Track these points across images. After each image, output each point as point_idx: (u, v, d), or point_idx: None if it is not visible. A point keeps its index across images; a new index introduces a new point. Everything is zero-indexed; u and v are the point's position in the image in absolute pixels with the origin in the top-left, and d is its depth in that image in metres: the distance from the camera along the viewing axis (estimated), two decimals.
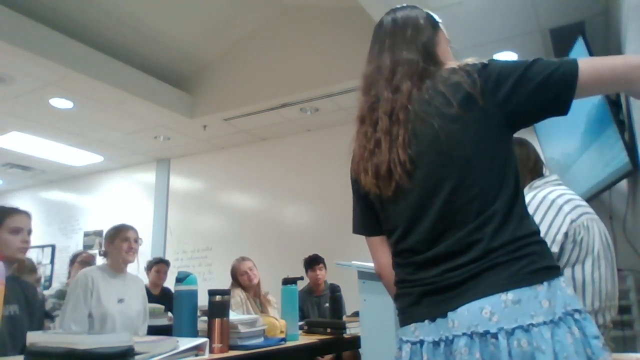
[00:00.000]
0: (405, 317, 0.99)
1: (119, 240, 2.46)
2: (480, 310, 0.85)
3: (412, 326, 0.97)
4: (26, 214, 1.98)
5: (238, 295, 3.26)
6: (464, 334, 0.86)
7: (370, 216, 1.09)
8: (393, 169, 0.96)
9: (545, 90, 0.91)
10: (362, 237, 1.14)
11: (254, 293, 3.39)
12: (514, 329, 0.82)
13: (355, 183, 1.07)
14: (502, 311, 0.84)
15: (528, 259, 0.88)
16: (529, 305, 0.84)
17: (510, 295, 0.85)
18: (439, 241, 0.94)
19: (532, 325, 0.82)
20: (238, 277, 3.38)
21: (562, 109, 0.92)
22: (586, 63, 0.91)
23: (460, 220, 0.92)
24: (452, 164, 0.93)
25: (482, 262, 0.88)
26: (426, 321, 0.93)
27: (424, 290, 0.94)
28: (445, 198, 0.93)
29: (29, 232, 1.95)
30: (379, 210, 1.06)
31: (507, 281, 0.86)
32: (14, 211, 1.94)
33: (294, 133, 5.25)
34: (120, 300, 2.41)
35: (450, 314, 0.89)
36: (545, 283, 0.86)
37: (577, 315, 0.86)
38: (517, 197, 0.94)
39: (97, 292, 2.34)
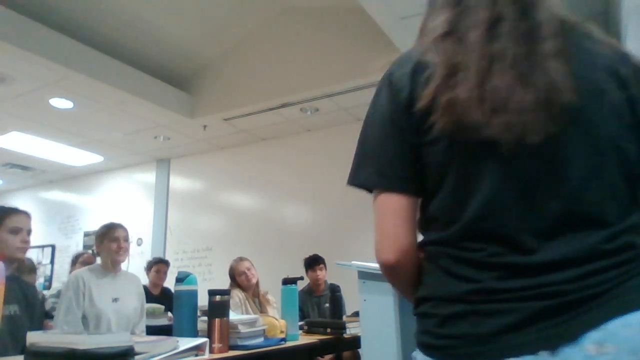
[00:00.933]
0: (487, 348, 0.62)
1: (108, 241, 2.44)
2: None
3: None
4: (26, 214, 1.98)
5: (237, 295, 3.26)
6: None
7: (415, 166, 0.71)
8: (552, 99, 0.64)
9: None
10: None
11: (253, 293, 3.39)
12: None
13: (425, 114, 0.68)
14: None
15: None
16: None
17: None
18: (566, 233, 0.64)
19: None
20: (236, 278, 3.38)
21: None
22: None
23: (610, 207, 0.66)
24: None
25: (632, 265, 0.63)
26: (541, 353, 0.60)
27: (540, 306, 0.61)
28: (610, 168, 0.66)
29: (29, 232, 1.95)
30: (455, 163, 0.68)
31: None
32: (14, 211, 1.95)
33: (294, 133, 5.25)
34: (115, 300, 2.40)
35: (590, 336, 0.59)
36: None
37: None
38: None
39: (90, 293, 2.33)
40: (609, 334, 0.58)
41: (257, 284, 3.42)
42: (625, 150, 0.68)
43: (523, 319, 0.61)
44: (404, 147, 0.71)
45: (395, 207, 0.72)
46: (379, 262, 0.74)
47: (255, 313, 3.16)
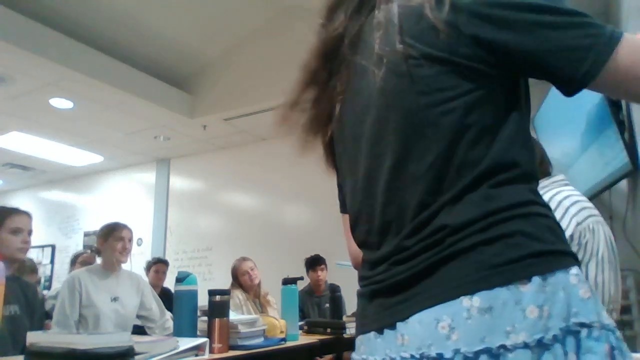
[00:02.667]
0: (357, 324, 0.76)
1: (113, 239, 2.43)
2: (435, 323, 0.58)
3: (359, 339, 0.72)
4: (27, 215, 1.98)
5: (237, 296, 3.26)
6: (412, 357, 0.59)
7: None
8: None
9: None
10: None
11: (254, 294, 3.39)
12: (477, 353, 0.54)
13: None
14: (464, 324, 0.56)
15: (505, 242, 0.58)
16: (504, 315, 0.55)
17: (477, 300, 0.56)
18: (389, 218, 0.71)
19: (505, 348, 0.54)
20: (239, 277, 3.38)
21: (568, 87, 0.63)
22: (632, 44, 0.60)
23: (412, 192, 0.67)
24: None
25: (437, 249, 0.61)
26: (372, 333, 0.67)
27: (371, 291, 0.70)
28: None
29: (30, 232, 1.96)
30: None
31: (473, 277, 0.57)
32: (15, 211, 1.95)
33: (294, 133, 5.24)
34: (114, 299, 2.39)
35: (399, 326, 0.62)
36: (535, 278, 0.56)
37: (584, 333, 0.55)
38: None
39: (87, 293, 2.31)
40: (409, 327, 0.61)
41: (259, 284, 3.42)
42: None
43: (366, 302, 0.72)
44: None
45: (344, 224, 0.92)
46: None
47: (255, 314, 3.16)
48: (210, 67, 4.94)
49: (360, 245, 0.78)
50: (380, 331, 0.66)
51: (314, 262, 3.89)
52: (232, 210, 5.57)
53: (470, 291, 0.57)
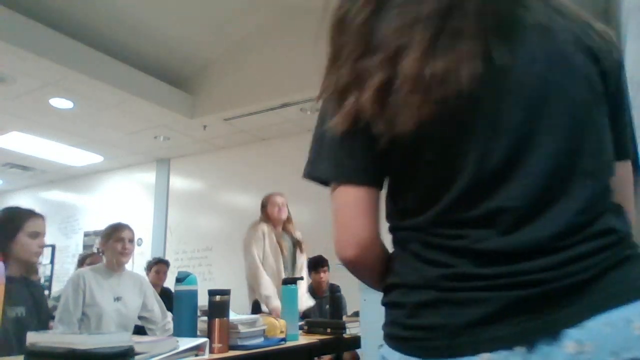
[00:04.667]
0: (460, 341, 0.57)
1: (113, 241, 2.45)
2: (628, 323, 0.54)
3: (482, 357, 0.56)
4: (43, 218, 2.03)
5: (261, 230, 3.23)
6: None
7: (373, 155, 0.65)
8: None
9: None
10: None
11: (282, 228, 3.37)
12: None
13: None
14: None
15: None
16: None
17: None
18: (546, 212, 0.59)
19: None
20: (267, 207, 3.36)
21: None
22: None
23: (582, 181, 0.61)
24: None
25: (611, 251, 0.58)
26: (516, 348, 0.55)
27: (515, 296, 0.56)
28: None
29: (44, 235, 1.98)
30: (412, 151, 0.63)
31: None
32: (33, 215, 1.98)
33: (294, 133, 5.25)
34: (117, 299, 2.40)
35: (570, 333, 0.54)
36: None
37: None
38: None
39: (91, 292, 2.33)
40: (589, 332, 0.54)
41: (288, 220, 3.40)
42: (596, 121, 0.65)
43: (498, 310, 0.56)
44: (364, 137, 0.65)
45: (354, 199, 0.66)
46: (339, 258, 0.69)
47: (274, 250, 3.20)
48: (210, 67, 4.94)
49: (468, 224, 0.60)
50: (530, 345, 0.54)
51: (317, 264, 3.89)
52: (232, 210, 5.57)
53: None
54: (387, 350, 0.63)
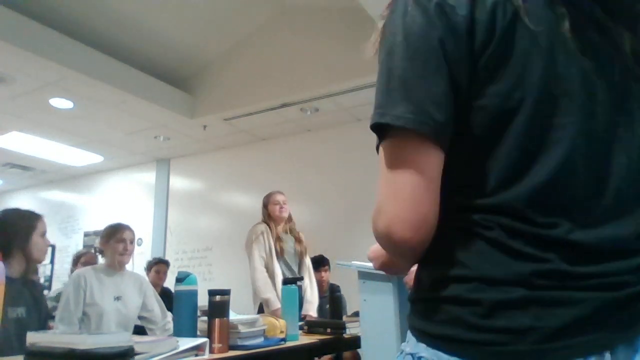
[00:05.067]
0: (550, 346, 0.51)
1: (115, 241, 2.46)
2: None
3: None
4: (44, 218, 2.08)
5: (261, 230, 3.22)
6: None
7: (454, 112, 0.57)
8: None
9: None
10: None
11: (282, 228, 3.34)
12: None
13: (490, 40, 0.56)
14: None
15: None
16: None
17: None
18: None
19: None
20: (269, 206, 3.36)
21: None
22: None
23: None
24: None
25: None
26: (607, 354, 0.51)
27: (605, 298, 0.52)
28: None
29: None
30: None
31: None
32: (39, 215, 2.06)
33: (294, 133, 5.25)
34: (117, 299, 2.41)
35: None
36: None
37: None
38: None
39: (91, 291, 2.34)
40: None
41: (289, 219, 3.38)
42: None
43: (592, 312, 0.51)
44: (452, 85, 0.56)
45: (426, 163, 0.56)
46: (387, 236, 0.57)
47: (276, 247, 3.17)
48: (210, 67, 4.94)
49: (562, 211, 0.54)
50: (614, 351, 0.51)
51: (318, 263, 3.88)
52: (232, 210, 5.57)
53: None
54: (435, 354, 0.55)
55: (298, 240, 3.36)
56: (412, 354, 0.58)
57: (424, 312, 0.59)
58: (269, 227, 3.26)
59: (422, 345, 0.57)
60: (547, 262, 0.52)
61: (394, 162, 0.57)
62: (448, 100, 0.56)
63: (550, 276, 0.52)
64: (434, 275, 0.59)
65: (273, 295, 3.01)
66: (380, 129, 0.58)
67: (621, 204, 0.55)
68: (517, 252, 0.53)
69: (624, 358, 0.51)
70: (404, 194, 0.56)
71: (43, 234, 1.99)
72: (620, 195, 0.55)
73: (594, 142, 0.56)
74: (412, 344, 0.59)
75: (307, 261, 3.38)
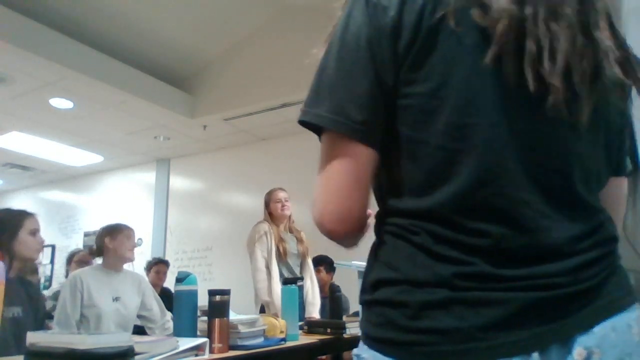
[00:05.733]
0: (474, 345, 0.52)
1: (123, 237, 2.44)
2: (629, 328, 0.54)
3: None
4: (36, 216, 2.05)
5: (263, 229, 3.18)
6: None
7: (383, 111, 0.58)
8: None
9: None
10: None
11: (284, 226, 3.31)
12: None
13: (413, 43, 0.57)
14: None
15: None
16: None
17: None
18: (566, 211, 0.57)
19: None
20: (271, 204, 3.31)
21: None
22: None
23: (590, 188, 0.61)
24: None
25: (613, 258, 0.59)
26: (535, 355, 0.52)
27: (533, 299, 0.53)
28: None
29: (40, 233, 2.02)
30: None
31: (633, 287, 0.60)
32: (30, 214, 2.04)
33: (294, 133, 5.24)
34: (116, 299, 2.39)
35: (581, 339, 0.53)
36: None
37: None
38: None
39: (89, 292, 2.31)
40: (597, 338, 0.53)
41: (290, 218, 3.35)
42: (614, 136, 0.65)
43: (516, 312, 0.52)
44: (377, 85, 0.57)
45: (351, 161, 0.58)
46: (321, 229, 0.61)
47: (278, 245, 3.14)
48: (210, 67, 4.93)
49: (491, 217, 0.55)
50: (544, 352, 0.52)
51: (319, 263, 3.88)
52: (232, 210, 5.57)
53: (638, 299, 0.58)
54: (374, 356, 0.57)
55: (300, 240, 3.33)
56: (357, 355, 0.60)
57: (365, 315, 0.60)
58: (271, 226, 3.23)
59: (365, 347, 0.59)
60: (470, 264, 0.54)
61: (324, 158, 0.60)
62: (372, 101, 0.57)
63: (473, 278, 0.53)
64: (371, 279, 0.60)
65: (272, 296, 2.99)
66: (312, 126, 0.60)
67: (553, 205, 0.56)
68: (441, 256, 0.55)
69: (557, 359, 0.52)
70: (331, 188, 0.59)
71: (33, 232, 1.96)
72: (551, 197, 0.56)
73: (519, 144, 0.56)
74: (359, 345, 0.61)
75: (309, 262, 3.36)
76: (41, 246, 2.00)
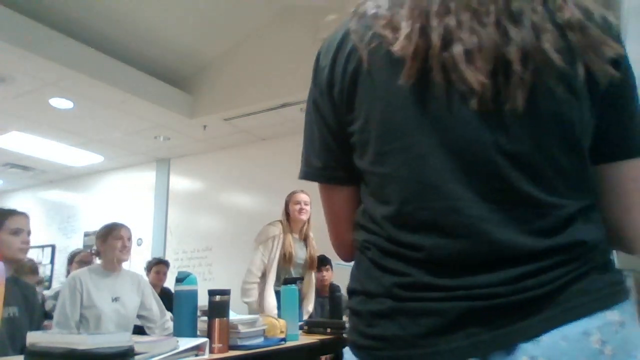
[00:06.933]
0: (412, 352, 0.57)
1: (112, 239, 2.44)
2: (586, 337, 0.53)
3: None
4: (25, 215, 2.00)
5: (273, 232, 3.07)
6: None
7: (344, 152, 0.68)
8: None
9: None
10: None
11: (299, 231, 3.19)
12: None
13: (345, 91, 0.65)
14: (614, 338, 0.54)
15: (611, 265, 0.61)
16: (634, 329, 0.57)
17: (616, 314, 0.55)
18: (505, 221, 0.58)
19: None
20: (290, 205, 3.16)
21: None
22: None
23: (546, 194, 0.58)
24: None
25: (577, 264, 0.57)
26: None
27: (469, 308, 0.55)
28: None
29: (28, 233, 1.97)
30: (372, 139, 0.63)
31: (607, 292, 0.57)
32: (13, 213, 1.96)
33: (294, 133, 5.23)
34: (115, 299, 2.39)
35: (524, 348, 0.54)
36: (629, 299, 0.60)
37: None
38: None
39: (88, 293, 2.31)
40: (544, 347, 0.53)
41: (308, 223, 3.18)
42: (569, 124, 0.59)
43: (453, 321, 0.55)
44: (328, 133, 0.68)
45: (329, 201, 0.73)
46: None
47: (285, 251, 3.01)
48: (210, 67, 4.94)
49: (422, 229, 0.59)
50: (485, 358, 0.54)
51: (319, 263, 3.87)
52: (232, 210, 5.57)
53: (611, 305, 0.56)
54: (349, 355, 0.64)
55: (310, 255, 3.19)
56: (343, 353, 0.68)
57: (348, 319, 0.70)
58: (285, 230, 3.11)
59: (347, 348, 0.66)
60: (408, 275, 0.58)
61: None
62: (325, 147, 0.69)
63: (411, 288, 0.58)
64: (347, 288, 0.70)
65: (251, 300, 2.90)
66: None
67: (494, 209, 0.57)
68: (386, 268, 0.61)
69: None
70: (328, 226, 0.76)
71: (15, 232, 1.91)
72: (491, 200, 0.57)
73: (443, 157, 0.58)
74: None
75: (313, 276, 3.25)
76: (26, 246, 1.94)
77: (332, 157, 0.69)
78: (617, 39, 0.62)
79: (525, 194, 0.57)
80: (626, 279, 0.62)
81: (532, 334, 0.54)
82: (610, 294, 0.57)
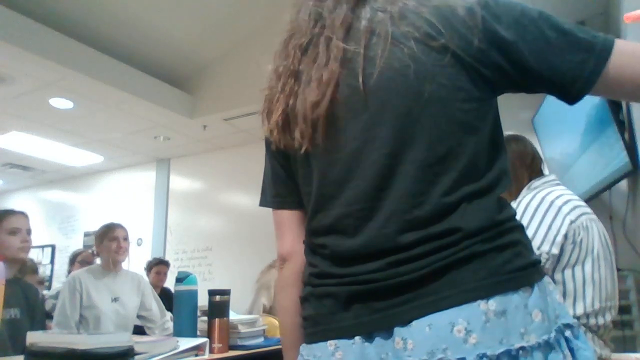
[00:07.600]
0: (319, 329, 0.70)
1: (107, 240, 2.45)
2: (450, 327, 0.59)
3: (330, 344, 0.67)
4: (23, 214, 1.99)
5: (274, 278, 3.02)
6: None
7: (289, 182, 0.85)
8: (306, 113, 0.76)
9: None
10: None
11: None
12: (499, 356, 0.57)
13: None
14: (482, 328, 0.58)
15: (512, 250, 0.63)
16: (517, 319, 0.59)
17: (492, 304, 0.59)
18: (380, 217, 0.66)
19: (524, 349, 0.57)
20: None
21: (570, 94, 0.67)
22: (627, 47, 0.64)
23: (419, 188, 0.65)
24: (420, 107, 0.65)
25: (451, 251, 0.61)
26: (356, 338, 0.65)
27: (355, 291, 0.66)
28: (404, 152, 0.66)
29: (28, 231, 1.96)
30: (293, 169, 0.82)
31: (488, 282, 0.60)
32: (10, 212, 1.96)
33: None
34: (115, 300, 2.40)
35: (398, 331, 0.62)
36: (535, 285, 0.62)
37: (568, 333, 0.63)
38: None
39: (88, 293, 2.32)
40: (413, 331, 0.60)
41: None
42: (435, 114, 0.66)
43: (344, 303, 0.67)
44: (279, 166, 0.86)
45: (280, 222, 0.86)
46: None
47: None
48: (210, 67, 4.93)
49: (326, 231, 0.72)
50: (369, 336, 0.64)
51: None
52: (232, 210, 5.57)
53: (487, 295, 0.60)
54: None
55: None
56: None
57: None
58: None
59: None
60: (316, 267, 0.73)
61: None
62: (275, 180, 0.87)
63: (318, 276, 0.72)
64: None
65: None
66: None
67: (377, 209, 0.67)
68: (310, 263, 0.76)
69: (381, 344, 0.63)
70: (278, 237, 0.87)
71: (12, 232, 1.90)
72: (374, 201, 0.67)
73: (335, 176, 0.72)
74: None
75: None
76: (26, 245, 1.93)
77: (281, 186, 0.86)
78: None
79: (404, 188, 0.65)
80: (534, 263, 0.65)
81: (405, 319, 0.61)
82: (492, 284, 0.60)
